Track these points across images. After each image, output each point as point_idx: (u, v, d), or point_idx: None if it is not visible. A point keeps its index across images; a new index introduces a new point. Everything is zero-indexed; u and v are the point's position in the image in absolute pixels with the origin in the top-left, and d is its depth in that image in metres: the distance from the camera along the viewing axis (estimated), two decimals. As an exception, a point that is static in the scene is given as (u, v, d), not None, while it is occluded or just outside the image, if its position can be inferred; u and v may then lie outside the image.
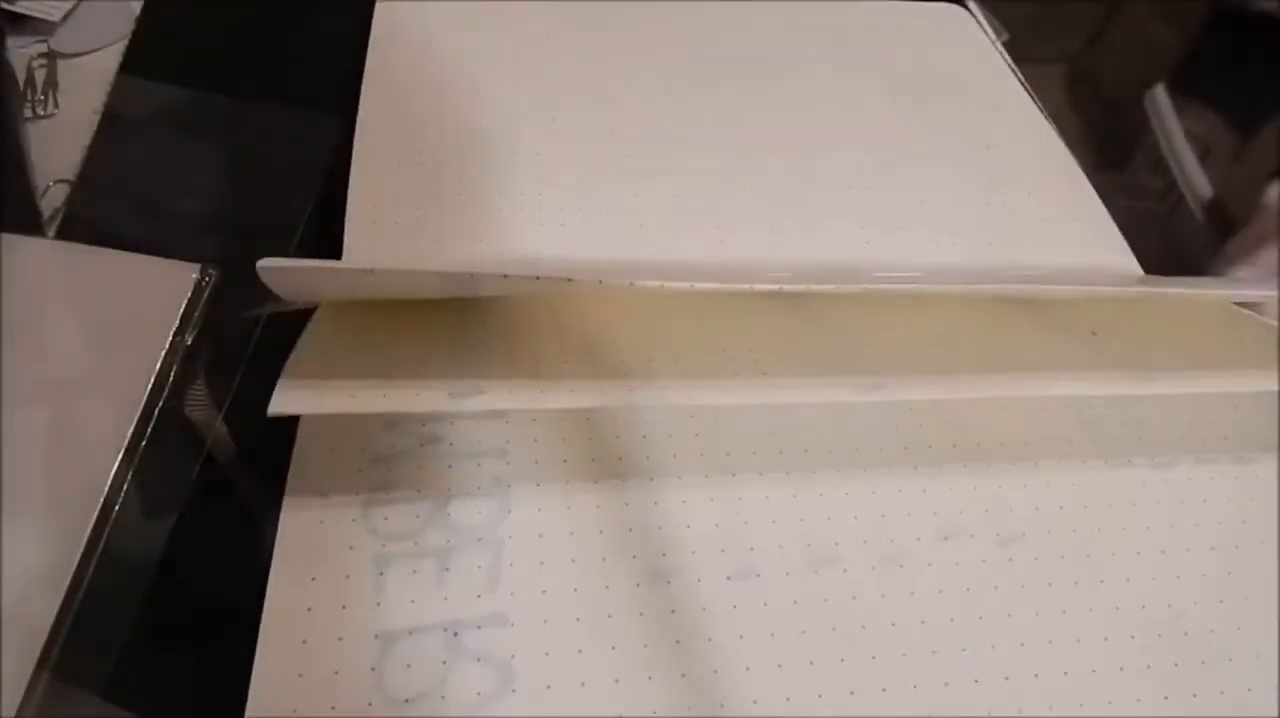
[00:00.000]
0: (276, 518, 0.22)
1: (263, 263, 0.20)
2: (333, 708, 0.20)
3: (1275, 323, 0.28)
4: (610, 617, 0.22)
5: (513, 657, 0.21)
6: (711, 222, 0.31)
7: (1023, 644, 0.23)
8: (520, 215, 0.30)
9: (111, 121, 0.31)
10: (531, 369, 0.23)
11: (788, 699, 0.21)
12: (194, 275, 0.27)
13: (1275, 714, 0.23)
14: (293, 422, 0.24)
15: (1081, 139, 0.38)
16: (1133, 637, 0.24)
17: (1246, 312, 0.29)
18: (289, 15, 0.36)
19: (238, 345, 0.26)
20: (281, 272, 0.21)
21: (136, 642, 0.22)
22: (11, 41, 0.33)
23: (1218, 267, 0.35)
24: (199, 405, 0.25)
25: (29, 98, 0.32)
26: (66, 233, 0.28)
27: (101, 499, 0.23)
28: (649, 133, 0.33)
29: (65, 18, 0.34)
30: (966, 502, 0.25)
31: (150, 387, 0.25)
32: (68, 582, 0.22)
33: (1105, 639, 0.23)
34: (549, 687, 0.21)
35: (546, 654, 0.21)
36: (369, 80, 0.33)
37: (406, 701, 0.20)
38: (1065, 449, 0.27)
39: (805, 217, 0.32)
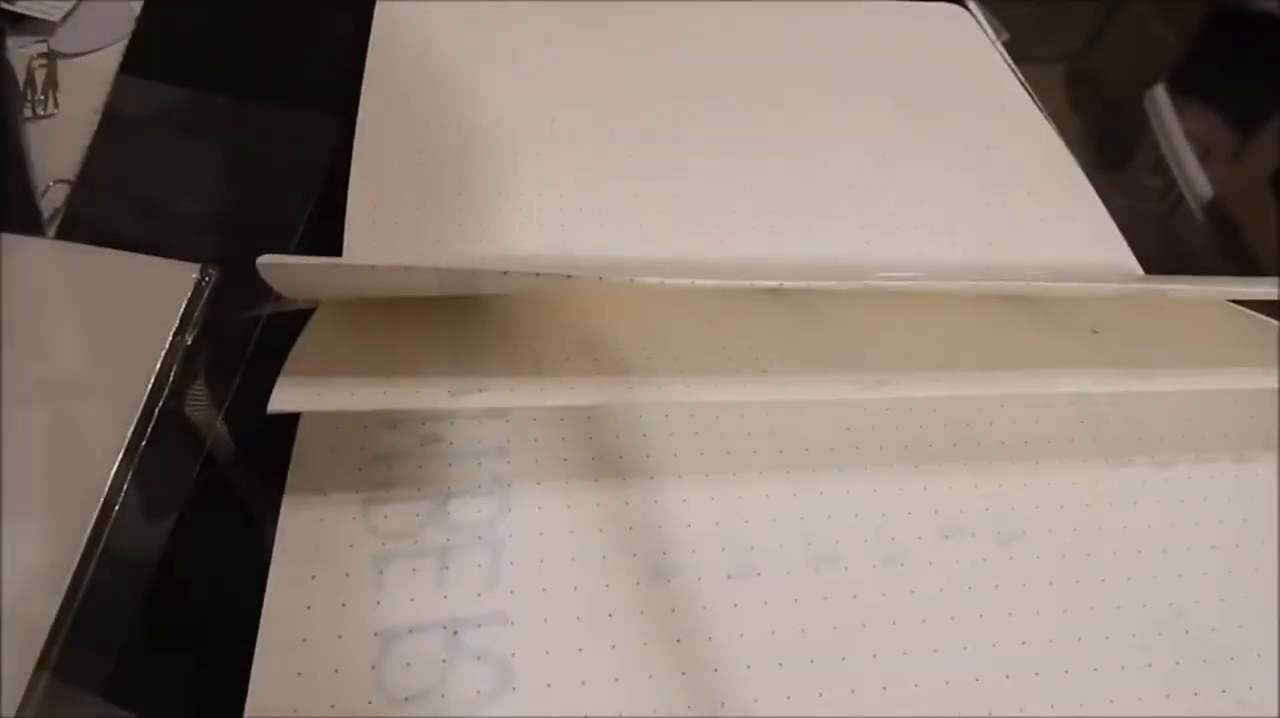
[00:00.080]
0: (276, 518, 0.22)
1: (263, 259, 0.20)
2: (332, 707, 0.20)
3: (1275, 321, 0.28)
4: (610, 615, 0.22)
5: (513, 655, 0.21)
6: (711, 221, 0.31)
7: (1024, 643, 0.23)
8: (520, 215, 0.30)
9: (111, 121, 0.31)
10: (532, 367, 0.23)
11: (788, 698, 0.21)
12: (194, 275, 0.27)
13: (1277, 713, 0.23)
14: (293, 421, 0.24)
15: (1081, 139, 0.38)
16: (1134, 635, 0.24)
17: (1246, 310, 0.29)
18: (289, 15, 0.36)
19: (238, 345, 0.26)
20: (281, 268, 0.21)
21: (136, 642, 0.22)
22: (11, 41, 0.33)
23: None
24: (199, 405, 0.25)
25: (29, 98, 0.32)
26: (66, 233, 0.28)
27: (101, 499, 0.23)
28: (649, 133, 0.33)
29: (65, 18, 0.34)
30: (967, 500, 0.25)
31: (150, 387, 0.25)
32: (68, 582, 0.22)
33: (1106, 638, 0.23)
34: (549, 685, 0.21)
35: (547, 653, 0.21)
36: (369, 80, 0.33)
37: (406, 699, 0.20)
38: (1066, 448, 0.27)
39: (805, 217, 0.32)
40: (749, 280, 0.23)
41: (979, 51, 0.40)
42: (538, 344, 0.24)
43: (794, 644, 0.22)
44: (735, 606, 0.22)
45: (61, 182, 0.29)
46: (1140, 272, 0.32)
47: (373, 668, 0.20)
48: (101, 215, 0.29)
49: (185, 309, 0.26)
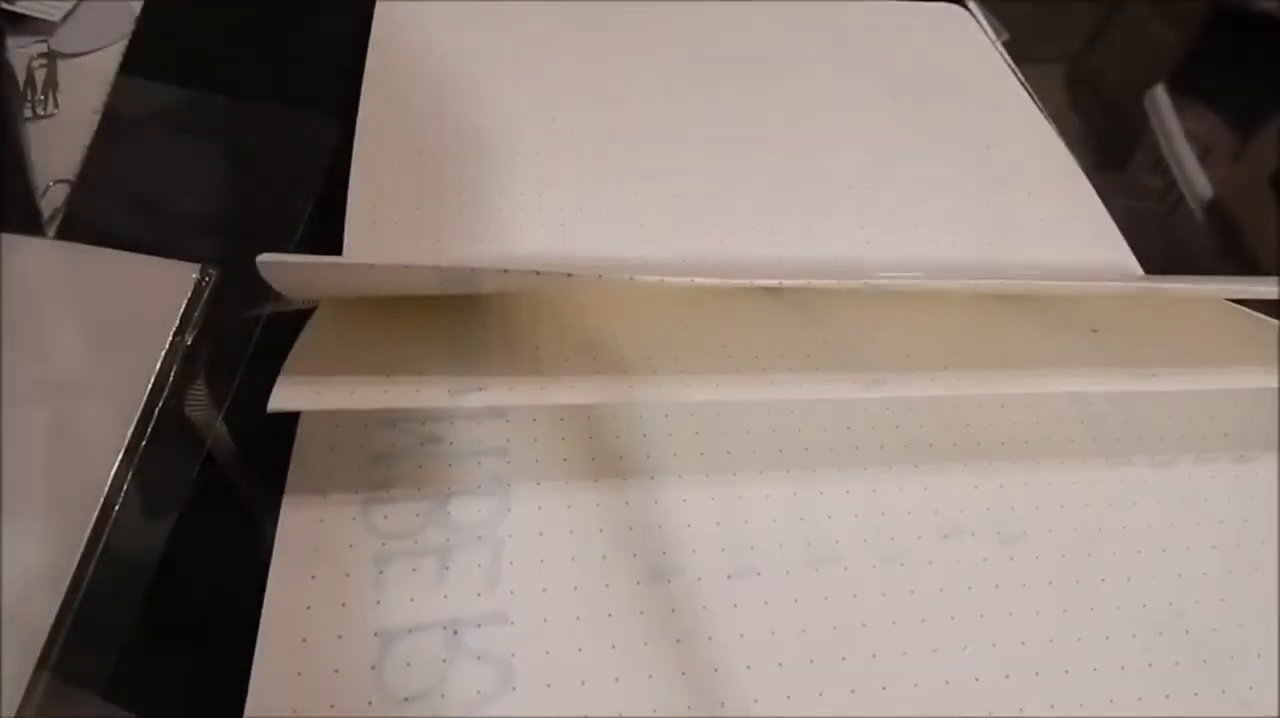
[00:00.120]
0: (276, 518, 0.22)
1: (262, 258, 0.20)
2: (332, 707, 0.20)
3: (1275, 321, 0.28)
4: (610, 615, 0.22)
5: (513, 655, 0.21)
6: (711, 222, 0.31)
7: (1024, 643, 0.23)
8: (520, 215, 0.30)
9: (111, 121, 0.31)
10: (532, 367, 0.23)
11: (788, 698, 0.21)
12: (194, 275, 0.27)
13: (1277, 713, 0.23)
14: (293, 421, 0.24)
15: (1081, 139, 0.38)
16: (1134, 635, 0.24)
17: (1246, 309, 0.29)
18: (289, 15, 0.36)
19: (238, 345, 0.26)
20: (281, 266, 0.20)
21: (136, 642, 0.22)
22: (11, 41, 0.33)
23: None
24: (199, 405, 0.25)
25: (29, 98, 0.32)
26: (66, 233, 0.28)
27: (101, 499, 0.23)
28: (649, 133, 0.33)
29: (65, 18, 0.34)
30: (967, 500, 0.25)
31: (150, 387, 0.25)
32: (68, 582, 0.22)
33: (1106, 638, 0.23)
34: (549, 685, 0.21)
35: (547, 653, 0.21)
36: (369, 80, 0.33)
37: (406, 699, 0.20)
38: (1066, 448, 0.27)
39: (805, 217, 0.32)
40: (749, 279, 0.23)
41: (979, 51, 0.40)
42: (538, 344, 0.24)
43: (794, 644, 0.22)
44: (735, 605, 0.22)
45: (61, 181, 0.29)
46: (1140, 272, 0.32)
47: (373, 668, 0.20)
48: (101, 215, 0.29)
49: (185, 309, 0.26)
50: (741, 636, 0.22)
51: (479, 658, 0.21)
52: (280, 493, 0.23)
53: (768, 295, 0.27)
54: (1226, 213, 0.37)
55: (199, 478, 0.24)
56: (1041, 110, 0.37)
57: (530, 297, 0.26)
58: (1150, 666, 0.23)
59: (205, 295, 0.27)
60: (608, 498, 0.24)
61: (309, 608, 0.21)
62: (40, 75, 0.32)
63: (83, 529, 0.22)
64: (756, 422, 0.26)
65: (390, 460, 0.23)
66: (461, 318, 0.24)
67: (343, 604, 0.21)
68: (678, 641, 0.22)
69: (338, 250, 0.28)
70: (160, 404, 0.25)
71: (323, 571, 0.22)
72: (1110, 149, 0.39)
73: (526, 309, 0.25)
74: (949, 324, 0.26)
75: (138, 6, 0.35)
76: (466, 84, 0.33)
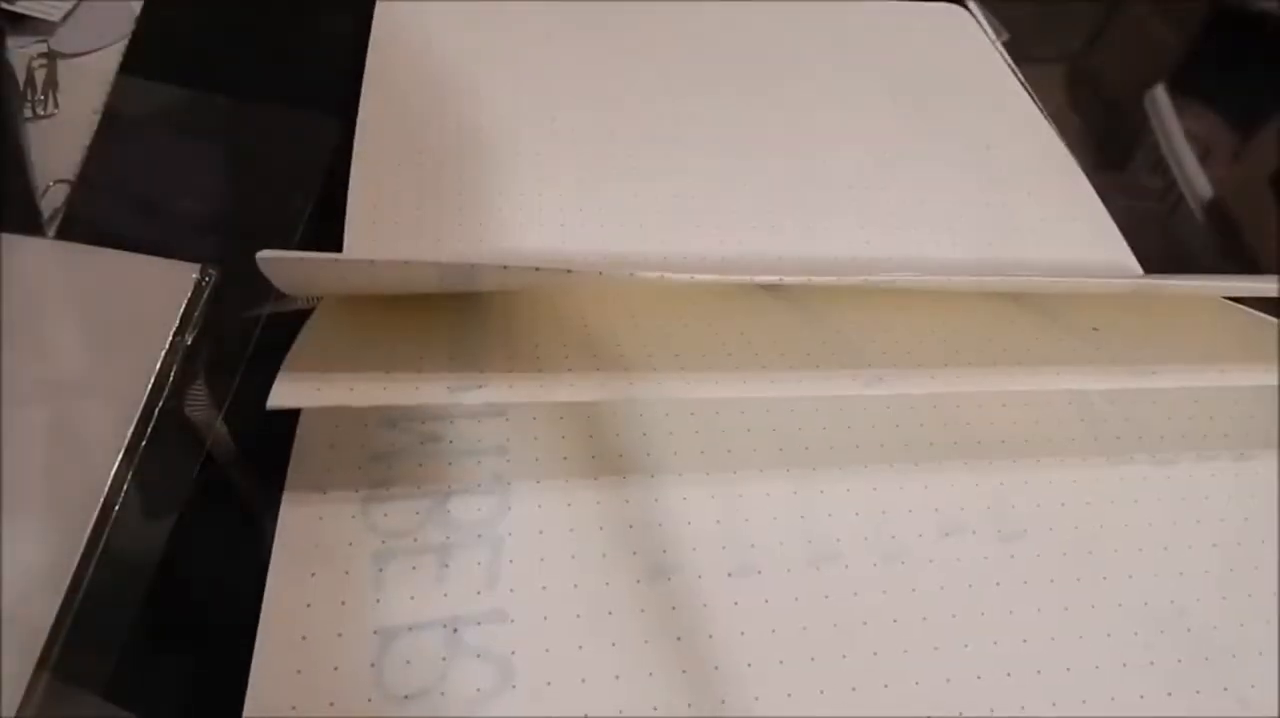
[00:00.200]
0: (276, 517, 0.22)
1: (263, 254, 0.20)
2: (332, 705, 0.20)
3: (1275, 319, 0.28)
4: (611, 613, 0.22)
5: (513, 653, 0.21)
6: (711, 222, 0.31)
7: (1025, 641, 0.23)
8: (520, 215, 0.30)
9: (111, 121, 0.31)
10: (531, 365, 0.23)
11: (789, 696, 0.21)
12: (194, 275, 0.27)
13: (1278, 712, 0.23)
14: (293, 421, 0.24)
15: (1081, 139, 0.38)
16: (1136, 633, 0.23)
17: (1246, 308, 0.29)
18: (289, 15, 0.36)
19: (238, 345, 0.26)
20: (281, 262, 0.20)
21: (136, 642, 0.22)
22: (11, 41, 0.33)
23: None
24: (199, 405, 0.25)
25: (29, 98, 0.32)
26: (66, 233, 0.28)
27: (101, 499, 0.23)
28: (649, 133, 0.33)
29: (65, 18, 0.34)
30: (968, 498, 0.25)
31: (150, 387, 0.25)
32: (68, 582, 0.22)
33: (1108, 636, 0.23)
34: (549, 684, 0.21)
35: (547, 651, 0.21)
36: (369, 80, 0.33)
37: (406, 697, 0.20)
38: (1067, 446, 0.27)
39: (805, 217, 0.32)
40: (749, 276, 0.23)
41: (979, 51, 0.40)
42: (538, 342, 0.24)
43: (795, 642, 0.22)
44: (736, 603, 0.22)
45: (61, 181, 0.29)
46: (1140, 271, 0.32)
47: (372, 666, 0.20)
48: (101, 215, 0.29)
49: (185, 309, 0.26)
50: (742, 634, 0.22)
51: (479, 656, 0.21)
52: (280, 493, 0.23)
53: (768, 295, 0.27)
54: (1226, 213, 0.37)
55: (199, 478, 0.24)
56: (1041, 110, 0.37)
57: (530, 295, 0.26)
58: (1152, 664, 0.23)
59: (205, 295, 0.27)
60: (608, 496, 0.24)
61: (309, 606, 0.21)
62: (40, 75, 0.32)
63: (83, 529, 0.22)
64: (757, 420, 0.26)
65: (390, 459, 0.23)
66: (461, 317, 0.24)
67: (342, 602, 0.21)
68: (678, 638, 0.22)
69: (338, 250, 0.28)
70: (160, 404, 0.25)
71: (322, 568, 0.22)
72: (1110, 149, 0.39)
73: (527, 307, 0.25)
74: (949, 324, 0.26)
75: (138, 6, 0.35)
76: (466, 84, 0.34)
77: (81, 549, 0.22)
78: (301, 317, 0.24)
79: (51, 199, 0.29)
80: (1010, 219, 0.33)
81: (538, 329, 0.24)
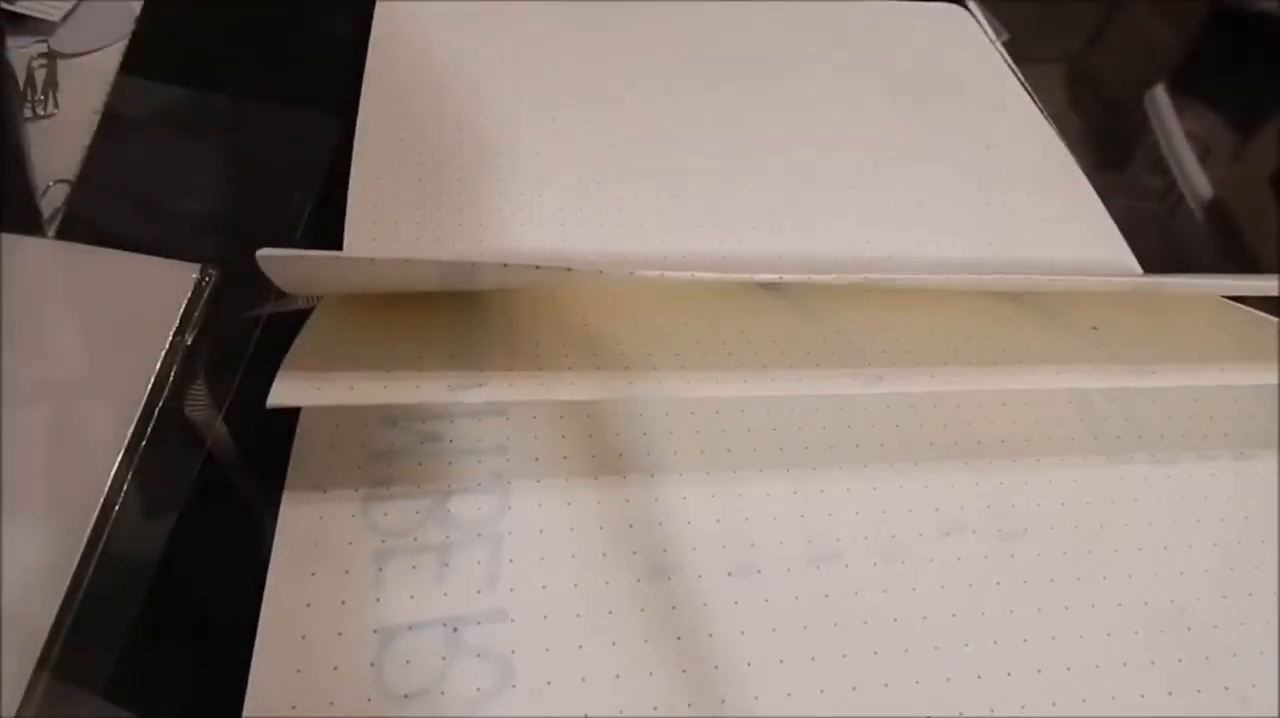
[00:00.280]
0: (276, 517, 0.22)
1: (262, 252, 0.20)
2: (332, 704, 0.20)
3: (1275, 318, 0.28)
4: (611, 613, 0.22)
5: (513, 653, 0.21)
6: (711, 222, 0.31)
7: (1025, 640, 0.23)
8: (520, 215, 0.30)
9: (111, 121, 0.31)
10: (532, 364, 0.23)
11: (789, 695, 0.21)
12: (194, 275, 0.27)
13: (1278, 711, 0.23)
14: (293, 421, 0.24)
15: (1081, 139, 0.38)
16: (1136, 633, 0.23)
17: (1246, 307, 0.29)
18: (289, 15, 0.36)
19: (238, 345, 0.26)
20: (281, 261, 0.20)
21: (136, 642, 0.22)
22: (11, 41, 0.33)
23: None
24: (199, 405, 0.25)
25: (29, 98, 0.32)
26: (66, 233, 0.28)
27: (101, 499, 0.23)
28: (649, 133, 0.33)
29: (65, 18, 0.34)
30: (968, 498, 0.25)
31: (150, 387, 0.25)
32: (68, 582, 0.22)
33: (1108, 635, 0.23)
34: (549, 683, 0.21)
35: (547, 650, 0.21)
36: (369, 80, 0.33)
37: (406, 696, 0.20)
38: (1067, 446, 0.27)
39: (805, 217, 0.32)
40: (749, 274, 0.23)
41: (979, 51, 0.40)
42: (538, 341, 0.24)
43: (795, 642, 0.22)
44: (736, 603, 0.22)
45: (61, 181, 0.29)
46: (1140, 271, 0.32)
47: (372, 665, 0.20)
48: (101, 215, 0.29)
49: (185, 309, 0.26)
50: (742, 633, 0.22)
51: (479, 655, 0.21)
52: (280, 492, 0.23)
53: (768, 295, 0.27)
54: (1226, 213, 0.37)
55: (199, 478, 0.24)
56: (1041, 110, 0.37)
57: (530, 294, 0.26)
58: (1152, 663, 0.23)
59: (205, 295, 0.27)
60: (608, 495, 0.24)
61: (308, 605, 0.21)
62: (40, 75, 0.32)
63: (83, 529, 0.22)
64: (757, 419, 0.26)
65: (390, 458, 0.23)
66: (462, 316, 0.24)
67: (342, 601, 0.21)
68: (678, 638, 0.22)
69: (338, 250, 0.28)
70: (160, 404, 0.25)
71: (322, 567, 0.21)
72: (1110, 149, 0.39)
73: (527, 307, 0.25)
74: (949, 324, 0.26)
75: (138, 6, 0.35)
76: (466, 84, 0.34)
77: (81, 549, 0.22)
78: (301, 316, 0.24)
79: (51, 199, 0.29)
80: (1010, 219, 0.33)
81: (538, 328, 0.24)
